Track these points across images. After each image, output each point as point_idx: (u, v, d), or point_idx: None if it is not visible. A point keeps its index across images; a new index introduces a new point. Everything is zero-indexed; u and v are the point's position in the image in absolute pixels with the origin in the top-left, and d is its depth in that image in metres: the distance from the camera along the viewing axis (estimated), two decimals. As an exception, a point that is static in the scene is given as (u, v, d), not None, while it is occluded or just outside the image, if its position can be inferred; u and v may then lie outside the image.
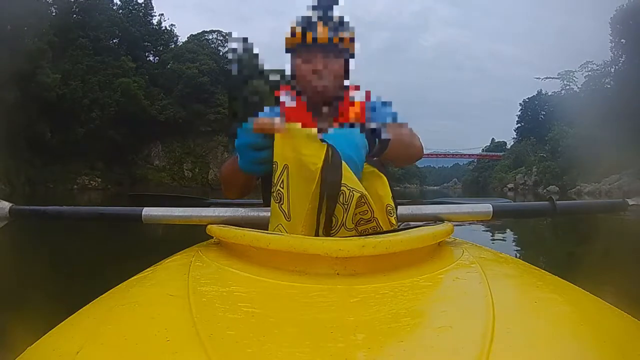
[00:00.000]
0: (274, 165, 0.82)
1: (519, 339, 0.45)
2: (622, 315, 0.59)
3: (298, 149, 0.80)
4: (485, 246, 0.91)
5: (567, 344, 0.46)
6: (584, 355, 0.45)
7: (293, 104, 1.25)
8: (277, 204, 0.82)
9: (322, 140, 0.80)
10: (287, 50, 1.25)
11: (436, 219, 0.95)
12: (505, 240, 5.27)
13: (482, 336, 0.43)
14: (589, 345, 0.48)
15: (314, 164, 0.78)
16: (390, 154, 1.01)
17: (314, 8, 1.20)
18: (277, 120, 0.82)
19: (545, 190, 32.23)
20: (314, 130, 0.83)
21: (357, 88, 1.29)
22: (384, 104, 1.30)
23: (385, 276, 0.62)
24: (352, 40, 1.22)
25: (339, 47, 1.21)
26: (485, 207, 1.00)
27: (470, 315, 0.49)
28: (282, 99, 1.25)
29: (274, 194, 0.82)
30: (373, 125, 0.99)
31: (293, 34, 1.21)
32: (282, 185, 0.81)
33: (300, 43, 1.20)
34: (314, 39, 1.18)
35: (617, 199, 1.18)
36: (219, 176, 1.19)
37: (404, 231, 0.72)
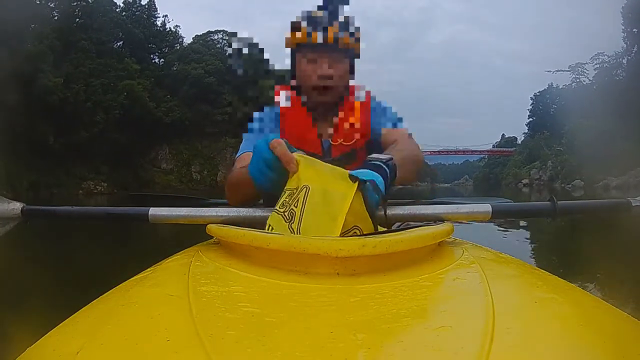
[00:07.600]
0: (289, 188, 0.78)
1: (519, 338, 0.45)
2: (622, 315, 0.59)
3: (325, 178, 0.76)
4: (486, 246, 0.91)
5: (567, 344, 0.46)
6: (584, 355, 0.45)
7: (288, 103, 1.23)
8: (286, 224, 0.76)
9: (350, 177, 0.74)
10: (288, 47, 1.22)
11: (436, 219, 0.95)
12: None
13: (482, 336, 0.43)
14: (589, 345, 0.48)
15: (342, 200, 0.73)
16: (400, 177, 0.94)
17: (319, 8, 1.16)
18: (295, 155, 0.79)
19: (569, 185, 30.58)
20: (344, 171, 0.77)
21: (359, 88, 1.27)
22: (385, 109, 1.28)
23: (385, 276, 0.62)
24: (357, 40, 1.19)
25: (345, 48, 1.18)
26: (484, 207, 1.00)
27: (470, 315, 0.49)
28: (278, 99, 1.23)
29: (285, 213, 0.77)
30: (381, 157, 0.88)
31: (296, 29, 1.17)
32: (296, 205, 0.76)
33: (304, 42, 1.17)
34: (320, 39, 1.15)
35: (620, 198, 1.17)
36: (226, 182, 1.17)
37: (404, 231, 0.72)
